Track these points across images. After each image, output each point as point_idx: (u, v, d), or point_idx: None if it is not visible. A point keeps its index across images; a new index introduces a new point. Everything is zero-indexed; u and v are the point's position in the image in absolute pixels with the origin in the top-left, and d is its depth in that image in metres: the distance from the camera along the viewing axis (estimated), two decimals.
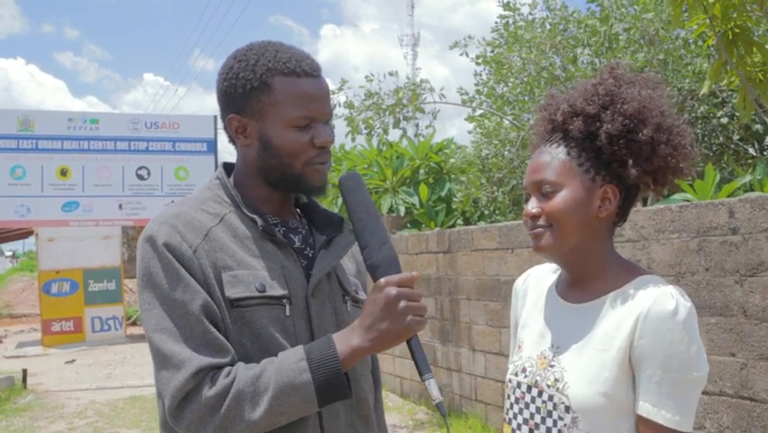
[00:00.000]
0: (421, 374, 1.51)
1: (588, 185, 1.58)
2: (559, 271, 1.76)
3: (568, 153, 1.61)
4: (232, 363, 1.51)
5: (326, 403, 1.50)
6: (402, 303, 1.46)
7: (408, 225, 8.62)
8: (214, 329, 1.51)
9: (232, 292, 1.55)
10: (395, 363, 8.61)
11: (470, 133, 9.24)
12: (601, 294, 1.61)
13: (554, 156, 1.62)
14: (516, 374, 1.70)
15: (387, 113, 8.11)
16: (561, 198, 1.58)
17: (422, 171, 9.22)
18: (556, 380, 1.58)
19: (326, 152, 1.65)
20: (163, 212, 1.66)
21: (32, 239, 21.18)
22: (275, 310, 1.57)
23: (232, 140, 1.73)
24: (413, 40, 52.49)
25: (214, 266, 1.56)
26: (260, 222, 1.63)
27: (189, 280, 1.53)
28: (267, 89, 1.63)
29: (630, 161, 1.56)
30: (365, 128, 8.27)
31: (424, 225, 8.37)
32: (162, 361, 1.51)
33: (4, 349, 14.98)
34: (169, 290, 1.53)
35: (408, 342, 1.51)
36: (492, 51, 9.36)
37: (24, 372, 10.61)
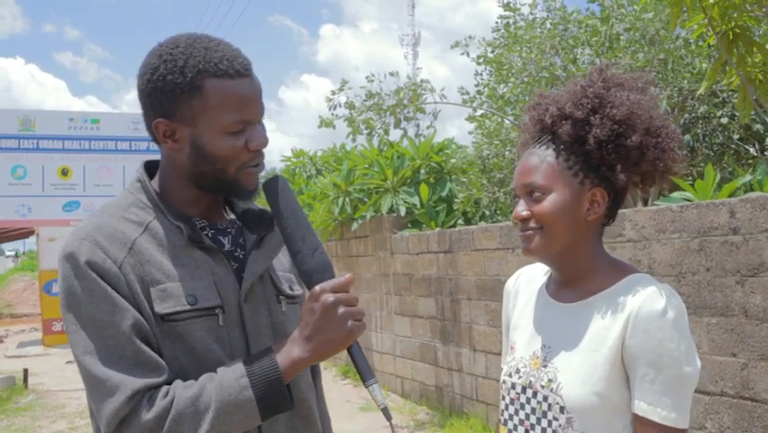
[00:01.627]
0: (364, 380, 1.48)
1: (576, 188, 1.60)
2: (550, 272, 1.77)
3: (557, 156, 1.61)
4: (168, 382, 1.44)
5: (269, 417, 1.47)
6: (341, 309, 1.43)
7: (409, 226, 8.63)
8: (146, 348, 1.44)
9: (162, 308, 1.48)
10: (395, 363, 8.61)
11: (470, 133, 9.24)
12: (591, 294, 1.62)
13: (543, 159, 1.63)
14: (510, 375, 1.71)
15: (387, 113, 8.10)
16: (550, 202, 1.59)
17: (423, 171, 9.22)
18: (550, 380, 1.59)
19: (260, 154, 1.59)
20: (82, 225, 1.56)
21: (32, 239, 21.20)
22: (208, 321, 1.51)
23: (156, 142, 1.61)
24: (413, 39, 52.53)
25: (142, 280, 1.48)
26: (185, 230, 1.55)
27: (116, 299, 1.45)
28: (198, 93, 1.52)
29: (619, 166, 1.58)
30: (366, 128, 8.26)
31: (424, 226, 8.37)
32: (95, 385, 1.43)
33: (5, 349, 15.01)
34: (95, 311, 1.44)
35: (349, 349, 1.48)
36: (493, 52, 9.36)
37: (25, 371, 10.63)
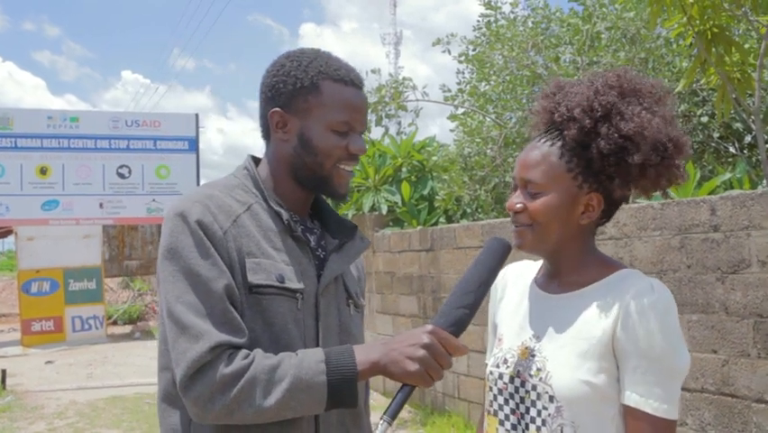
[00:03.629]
0: (384, 413, 1.50)
1: (573, 192, 1.60)
2: (539, 265, 1.79)
3: (560, 156, 1.61)
4: (248, 347, 1.54)
5: (333, 407, 1.54)
6: (423, 352, 1.47)
7: (391, 224, 8.62)
8: (233, 310, 1.55)
9: (254, 278, 1.59)
10: None
11: (452, 131, 9.26)
12: (581, 286, 1.63)
13: (546, 156, 1.62)
14: (498, 366, 1.70)
15: (369, 110, 8.09)
16: (544, 202, 1.60)
17: (404, 170, 9.21)
18: (538, 369, 1.60)
19: (356, 159, 1.74)
20: (194, 191, 1.71)
21: (11, 238, 21.02)
22: (289, 302, 1.63)
23: (266, 134, 1.78)
24: (395, 38, 52.53)
25: (240, 251, 1.61)
26: (285, 216, 1.69)
27: (217, 260, 1.57)
28: (315, 90, 1.70)
29: (617, 180, 1.59)
30: None
31: (406, 224, 8.36)
32: (181, 330, 1.53)
33: None
34: (196, 266, 1.56)
35: (403, 386, 1.51)
36: (474, 50, 9.37)
37: (3, 372, 10.51)
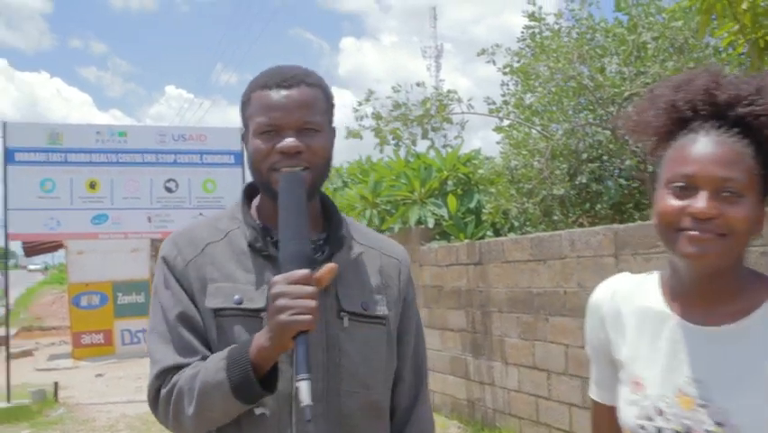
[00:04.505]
0: (295, 374, 1.45)
1: (761, 197, 1.36)
2: (644, 284, 1.52)
3: (755, 155, 1.34)
4: None
5: (249, 401, 1.56)
6: (280, 301, 1.45)
7: (437, 237, 8.59)
8: (187, 334, 1.66)
9: (211, 303, 1.67)
10: None
11: (497, 143, 9.20)
12: (743, 314, 1.36)
13: (741, 154, 1.33)
14: (650, 418, 1.40)
15: (414, 123, 8.08)
16: (745, 209, 1.31)
17: (450, 183, 9.19)
18: (719, 424, 1.31)
19: (294, 157, 1.67)
20: (178, 229, 1.86)
21: (61, 252, 21.37)
22: (252, 322, 1.63)
23: None
24: (436, 51, 52.44)
25: (203, 278, 1.70)
26: (249, 237, 1.73)
27: (176, 290, 1.71)
28: (248, 104, 1.75)
29: None
30: (393, 139, 8.24)
31: (453, 237, 8.33)
32: (149, 357, 1.71)
33: (35, 362, 15.09)
34: (162, 298, 1.72)
35: (294, 339, 1.48)
36: (518, 61, 9.32)
37: (56, 384, 10.68)
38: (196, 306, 1.68)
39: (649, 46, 8.40)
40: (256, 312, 1.64)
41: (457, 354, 7.82)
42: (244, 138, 1.80)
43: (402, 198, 9.03)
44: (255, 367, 1.53)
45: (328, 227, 1.82)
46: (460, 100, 8.24)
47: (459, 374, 7.79)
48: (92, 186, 13.08)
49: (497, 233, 8.45)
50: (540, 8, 9.24)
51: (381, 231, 9.25)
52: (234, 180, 10.87)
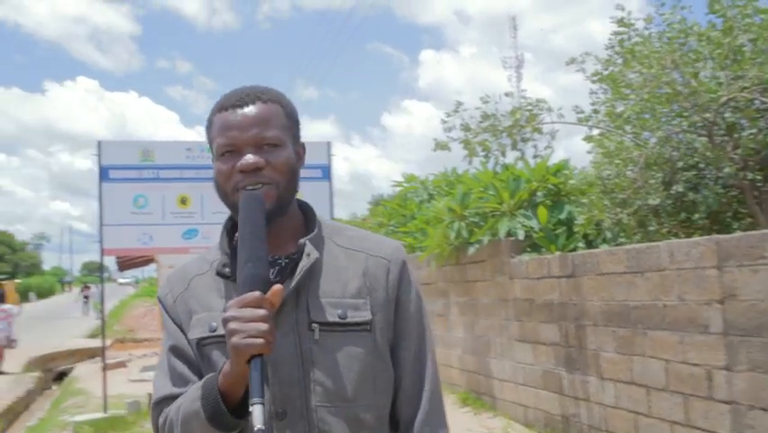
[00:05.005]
0: (251, 399, 1.42)
1: None
2: None
3: None
4: None
5: (227, 429, 1.56)
6: (230, 325, 1.45)
7: (528, 250, 8.44)
8: (179, 364, 1.73)
9: (192, 334, 1.72)
10: (518, 390, 8.42)
11: (588, 153, 8.98)
12: None
13: None
14: None
15: (504, 134, 7.97)
16: None
17: (539, 194, 9.03)
18: None
19: (253, 175, 1.65)
20: (176, 266, 1.92)
21: (152, 266, 21.89)
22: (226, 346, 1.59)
23: None
24: (517, 62, 51.93)
25: (189, 312, 1.75)
26: (217, 264, 1.75)
27: (169, 326, 1.79)
28: (210, 127, 1.75)
29: None
30: (482, 150, 8.15)
31: (544, 249, 8.17)
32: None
33: (128, 373, 15.47)
34: (163, 334, 1.84)
35: (248, 363, 1.46)
36: (607, 69, 9.10)
37: (150, 396, 10.88)
38: (187, 338, 1.74)
39: (746, 49, 8.08)
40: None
41: (550, 369, 7.65)
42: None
43: (491, 209, 8.92)
44: (226, 394, 1.54)
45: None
46: (550, 110, 8.09)
47: (552, 389, 7.62)
48: (183, 201, 13.35)
49: (589, 244, 8.25)
50: (629, 13, 9.02)
51: (470, 243, 9.15)
52: (322, 194, 10.92)
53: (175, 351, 1.75)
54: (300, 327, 1.65)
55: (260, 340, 1.44)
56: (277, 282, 1.62)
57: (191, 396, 1.60)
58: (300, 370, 1.64)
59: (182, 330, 1.76)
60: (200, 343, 1.71)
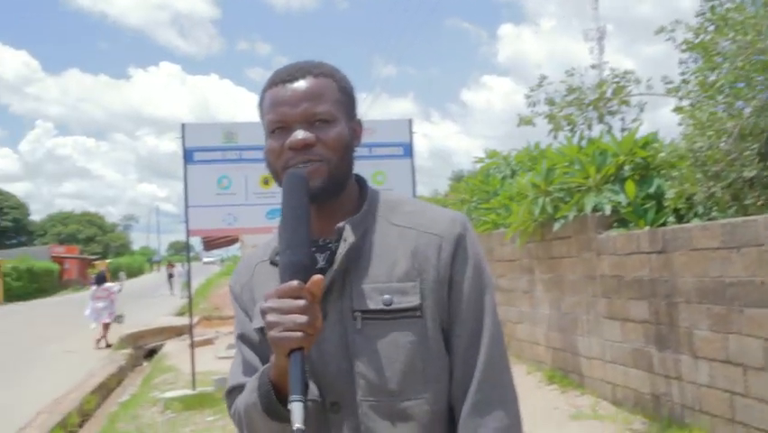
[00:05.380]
0: (290, 397, 1.33)
1: None
2: None
3: None
4: None
5: (284, 420, 1.44)
6: (269, 317, 1.39)
7: (615, 225, 8.22)
8: (248, 352, 1.72)
9: (255, 323, 1.69)
10: (605, 368, 8.24)
11: (679, 125, 8.67)
12: None
13: None
14: None
15: (590, 108, 7.75)
16: None
17: (627, 168, 8.77)
18: None
19: (303, 152, 1.58)
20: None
21: (236, 245, 22.26)
22: None
23: None
24: (599, 33, 50.74)
25: (252, 300, 1.73)
26: (272, 253, 1.71)
27: (238, 314, 1.78)
28: (261, 104, 1.69)
29: None
30: (567, 125, 7.95)
31: (632, 225, 7.94)
32: None
33: (215, 350, 15.76)
34: (234, 322, 1.82)
35: (288, 356, 1.38)
36: (698, 38, 8.76)
37: None
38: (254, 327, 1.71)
39: None
40: None
41: (639, 347, 7.46)
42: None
43: (576, 184, 8.71)
44: (277, 386, 1.49)
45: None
46: (638, 81, 7.83)
47: (642, 367, 7.43)
48: (265, 182, 13.47)
49: (679, 219, 7.98)
50: None
51: (555, 219, 8.97)
52: (404, 172, 10.87)
53: (243, 339, 1.75)
54: (345, 317, 1.57)
55: (299, 333, 1.36)
56: (325, 269, 1.59)
57: (250, 387, 1.57)
58: (347, 362, 1.56)
59: (249, 318, 1.74)
60: (262, 331, 1.59)
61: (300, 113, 1.59)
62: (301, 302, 1.37)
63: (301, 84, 1.61)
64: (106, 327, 19.23)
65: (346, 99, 1.68)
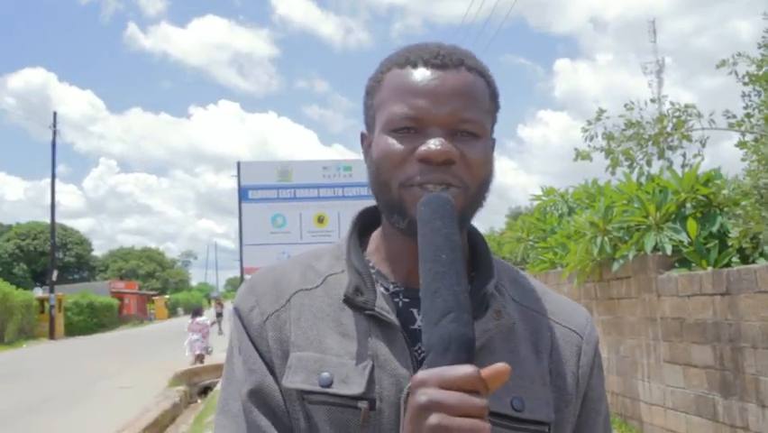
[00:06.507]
0: None
1: None
2: None
3: None
4: None
5: None
6: (433, 418, 0.87)
7: (677, 265, 7.93)
8: (264, 421, 1.16)
9: (289, 381, 1.17)
10: (666, 415, 7.90)
11: (742, 160, 8.39)
12: None
13: None
14: None
15: (650, 143, 7.52)
16: None
17: (688, 206, 8.48)
18: None
19: (440, 170, 1.14)
20: (262, 269, 1.34)
21: None
22: (344, 415, 1.13)
23: None
24: (657, 66, 50.15)
25: (284, 341, 1.21)
26: (349, 287, 1.20)
27: (250, 356, 1.21)
28: (378, 89, 1.23)
29: None
30: (626, 160, 7.72)
31: (694, 265, 7.64)
32: None
33: None
34: (234, 365, 1.24)
35: None
36: (761, 70, 8.49)
37: None
38: (276, 379, 1.20)
39: None
40: (350, 400, 1.13)
41: (702, 393, 7.12)
42: (364, 141, 1.31)
43: (636, 223, 8.44)
44: None
45: (475, 278, 1.25)
46: (699, 115, 7.58)
47: (705, 415, 7.08)
48: (320, 220, 13.48)
49: (744, 259, 7.66)
50: None
51: (614, 259, 8.70)
52: None
53: (257, 398, 1.19)
54: None
55: None
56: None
57: None
58: None
59: (270, 367, 1.21)
60: (303, 394, 1.17)
61: (446, 114, 1.15)
62: (484, 402, 0.89)
63: (453, 75, 1.18)
64: (199, 358, 20.35)
65: (495, 110, 1.26)
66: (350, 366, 1.15)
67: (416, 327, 1.17)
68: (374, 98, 1.24)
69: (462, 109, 1.16)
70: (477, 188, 1.19)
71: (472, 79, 1.20)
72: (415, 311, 1.19)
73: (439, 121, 1.15)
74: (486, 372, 0.90)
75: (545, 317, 1.26)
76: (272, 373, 1.20)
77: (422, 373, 0.91)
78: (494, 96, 1.25)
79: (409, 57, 1.21)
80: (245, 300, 1.27)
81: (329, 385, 1.15)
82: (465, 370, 0.89)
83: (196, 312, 21.80)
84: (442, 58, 1.19)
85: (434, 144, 1.13)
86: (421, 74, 1.18)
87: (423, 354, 1.09)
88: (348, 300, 1.20)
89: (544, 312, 1.27)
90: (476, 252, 1.29)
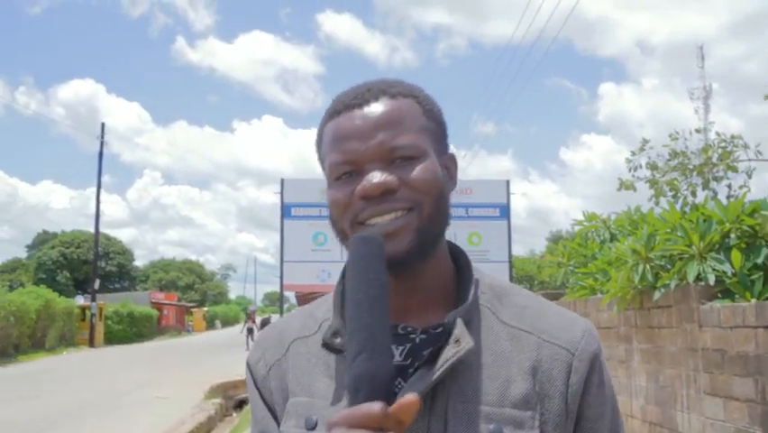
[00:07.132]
0: None
1: None
2: None
3: None
4: None
5: None
6: None
7: (719, 296, 7.86)
8: None
9: (284, 426, 1.22)
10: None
11: None
12: None
13: None
14: None
15: (694, 173, 7.49)
16: None
17: (733, 236, 8.41)
18: None
19: (382, 201, 1.16)
20: (274, 321, 1.45)
21: None
22: None
23: None
24: (705, 92, 49.67)
25: (284, 389, 1.27)
26: (327, 332, 1.21)
27: (256, 405, 1.31)
28: (320, 143, 1.28)
29: None
30: (670, 190, 7.70)
31: (737, 296, 7.57)
32: None
33: None
34: (251, 411, 1.34)
35: None
36: None
37: None
38: (278, 425, 1.26)
39: None
40: None
41: (743, 427, 7.04)
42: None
43: (679, 252, 8.39)
44: None
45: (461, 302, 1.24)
46: (746, 146, 7.54)
47: None
48: None
49: None
50: None
51: (656, 288, 8.64)
52: (500, 233, 10.75)
53: None
54: None
55: None
56: (406, 368, 1.18)
57: None
58: None
59: (273, 414, 1.28)
60: None
61: (375, 148, 1.18)
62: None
63: (374, 109, 1.21)
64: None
65: (435, 126, 1.27)
66: (334, 406, 1.18)
67: (395, 361, 1.18)
68: (320, 153, 1.29)
69: (390, 138, 1.18)
70: (432, 204, 1.19)
71: (397, 105, 1.21)
72: (396, 348, 1.21)
73: (371, 157, 1.18)
74: (393, 407, 0.89)
75: (533, 336, 1.23)
76: (276, 419, 1.27)
77: (335, 415, 0.92)
78: (429, 112, 1.26)
79: (336, 106, 1.25)
80: (253, 353, 1.36)
81: (313, 428, 1.19)
82: (369, 408, 0.89)
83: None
84: (361, 96, 1.22)
85: (367, 180, 1.16)
86: (345, 118, 1.21)
87: (400, 389, 1.14)
88: (326, 345, 1.22)
89: (532, 331, 1.24)
90: (461, 275, 1.30)
